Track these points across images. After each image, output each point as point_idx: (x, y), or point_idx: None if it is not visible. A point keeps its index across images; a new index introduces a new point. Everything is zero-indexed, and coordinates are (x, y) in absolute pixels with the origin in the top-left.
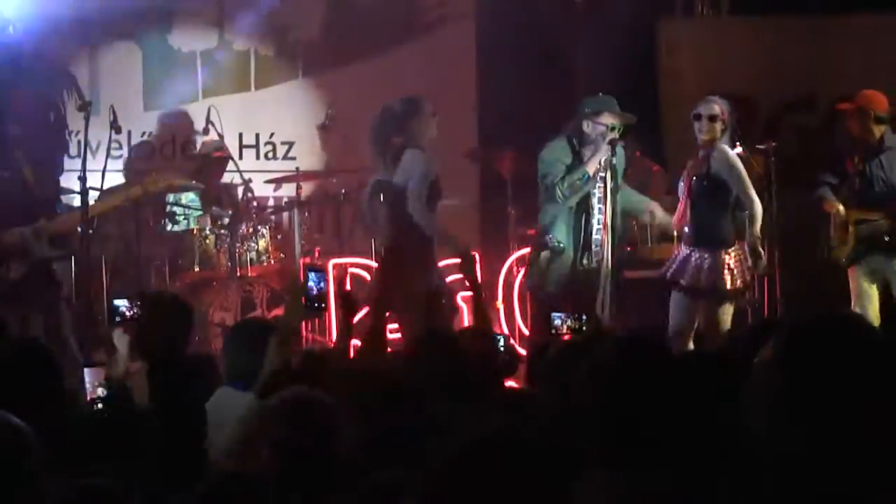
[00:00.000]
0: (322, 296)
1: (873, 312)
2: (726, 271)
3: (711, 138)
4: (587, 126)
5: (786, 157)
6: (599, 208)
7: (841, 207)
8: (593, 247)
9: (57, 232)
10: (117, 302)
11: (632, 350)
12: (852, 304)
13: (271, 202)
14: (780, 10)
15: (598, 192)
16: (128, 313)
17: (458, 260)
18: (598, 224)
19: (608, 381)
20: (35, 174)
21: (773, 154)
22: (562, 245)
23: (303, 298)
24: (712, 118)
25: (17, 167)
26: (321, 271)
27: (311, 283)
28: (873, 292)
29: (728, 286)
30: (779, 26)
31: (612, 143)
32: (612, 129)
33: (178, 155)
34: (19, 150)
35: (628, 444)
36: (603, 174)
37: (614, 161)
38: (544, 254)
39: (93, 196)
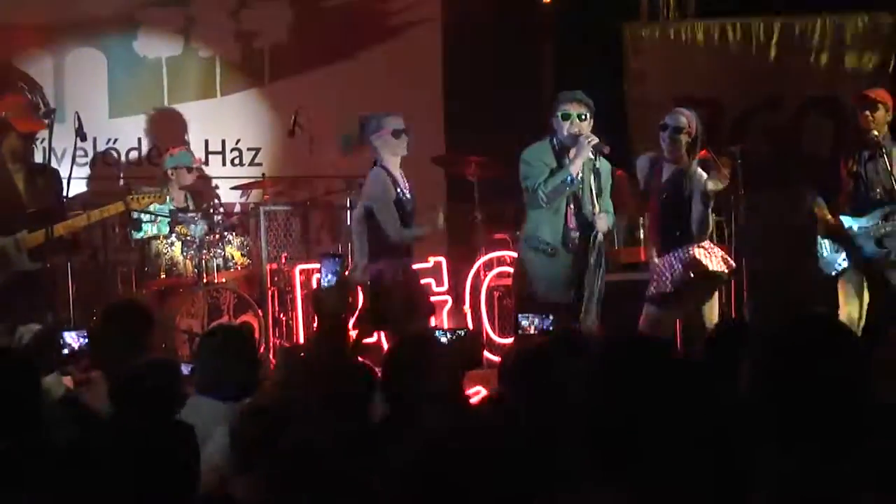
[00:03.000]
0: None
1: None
2: (701, 256)
3: (676, 150)
4: (554, 122)
5: (753, 158)
6: (589, 209)
7: (829, 217)
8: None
9: (37, 244)
10: (67, 335)
11: (634, 351)
12: (840, 307)
13: (238, 208)
14: (745, 13)
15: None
16: (76, 345)
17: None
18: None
19: (606, 382)
20: (27, 184)
21: (740, 156)
22: (549, 246)
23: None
24: (677, 129)
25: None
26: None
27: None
28: (859, 299)
29: (704, 268)
30: (744, 28)
31: (597, 149)
32: (566, 117)
33: (144, 162)
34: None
35: (623, 449)
36: (583, 175)
37: (597, 164)
38: (531, 255)
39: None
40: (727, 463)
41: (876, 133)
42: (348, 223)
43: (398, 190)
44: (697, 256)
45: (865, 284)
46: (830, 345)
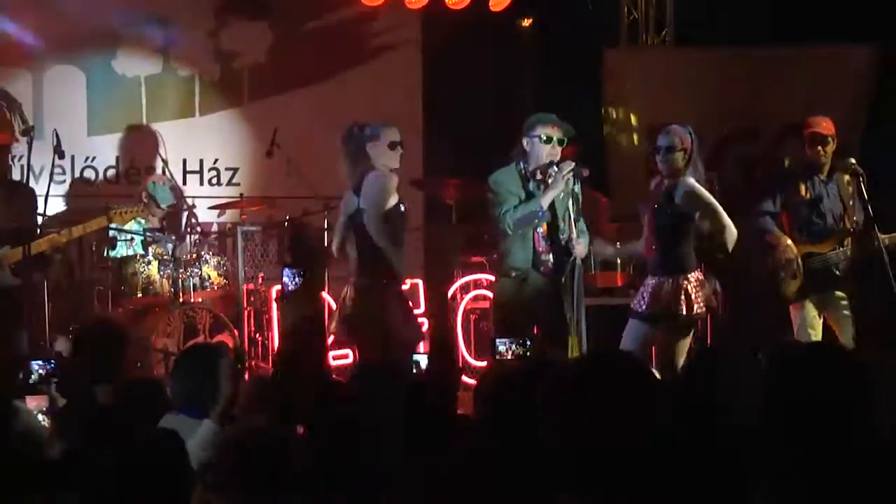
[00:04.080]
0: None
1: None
2: (683, 297)
3: (673, 169)
4: (526, 143)
5: (729, 186)
6: (563, 228)
7: (788, 241)
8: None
9: (19, 259)
10: (34, 363)
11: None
12: (795, 334)
13: (215, 228)
14: (724, 42)
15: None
16: (42, 372)
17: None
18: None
19: (579, 400)
20: (3, 202)
21: (717, 184)
22: (520, 270)
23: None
24: (670, 149)
25: None
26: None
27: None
28: (818, 325)
29: (683, 311)
30: (722, 57)
31: (576, 173)
32: (548, 140)
33: (122, 181)
34: None
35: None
36: (559, 199)
37: (576, 189)
38: (504, 280)
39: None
40: (708, 487)
41: (824, 162)
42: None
43: (398, 200)
44: (678, 292)
45: (816, 312)
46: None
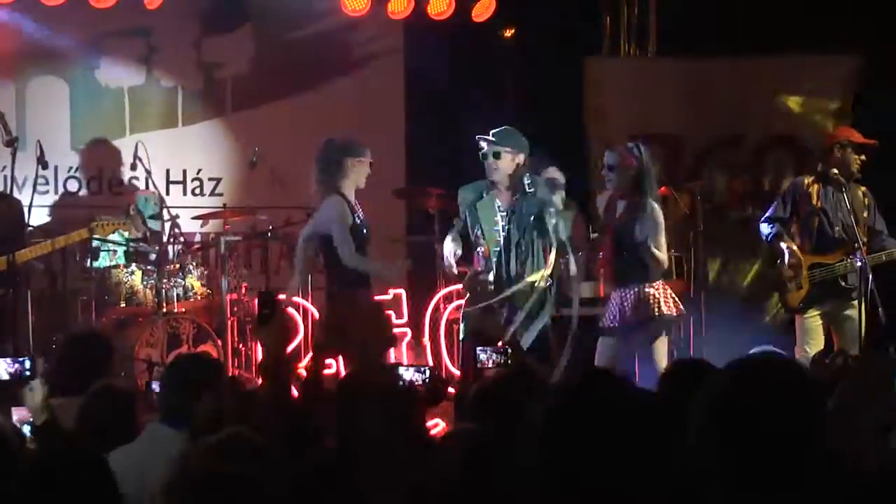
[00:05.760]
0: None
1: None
2: (651, 301)
3: (620, 187)
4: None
5: (712, 196)
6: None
7: (796, 248)
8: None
9: (1, 270)
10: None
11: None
12: (797, 344)
13: (198, 238)
14: (706, 51)
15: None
16: (9, 370)
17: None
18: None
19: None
20: None
21: (699, 193)
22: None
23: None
24: (610, 167)
25: None
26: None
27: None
28: (820, 335)
29: (656, 312)
30: (705, 67)
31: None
32: (483, 157)
33: (105, 191)
34: None
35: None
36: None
37: (551, 220)
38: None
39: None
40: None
41: (840, 172)
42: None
43: (355, 216)
44: (644, 299)
45: (819, 323)
46: (785, 391)
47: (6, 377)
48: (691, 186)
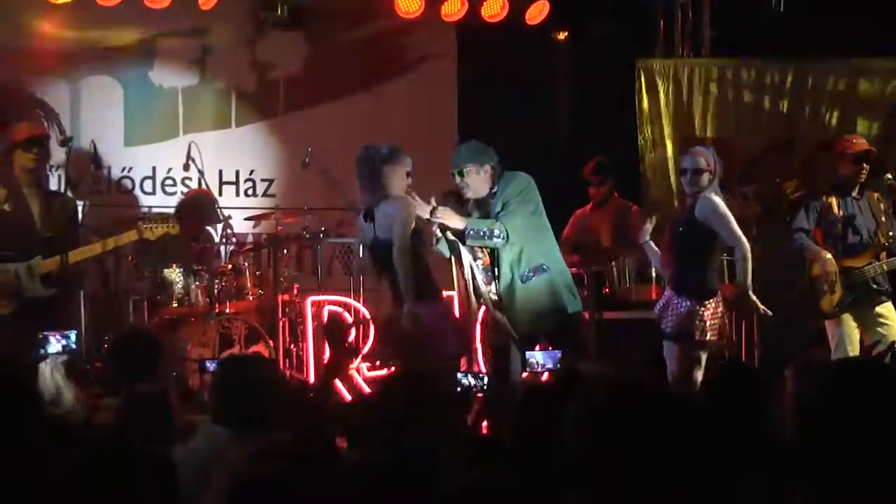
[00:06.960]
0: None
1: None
2: (698, 322)
3: (698, 190)
4: None
5: (766, 200)
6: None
7: (828, 255)
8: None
9: (50, 270)
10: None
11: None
12: (832, 349)
13: (250, 239)
14: (759, 53)
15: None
16: (59, 343)
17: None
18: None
19: (599, 424)
20: (43, 210)
21: (752, 197)
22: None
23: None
24: (697, 171)
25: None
26: None
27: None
28: (857, 339)
29: (696, 336)
30: (759, 69)
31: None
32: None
33: (158, 191)
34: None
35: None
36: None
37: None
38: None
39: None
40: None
41: (861, 180)
42: (360, 255)
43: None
44: (691, 317)
45: (854, 325)
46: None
47: (57, 350)
48: (744, 191)
